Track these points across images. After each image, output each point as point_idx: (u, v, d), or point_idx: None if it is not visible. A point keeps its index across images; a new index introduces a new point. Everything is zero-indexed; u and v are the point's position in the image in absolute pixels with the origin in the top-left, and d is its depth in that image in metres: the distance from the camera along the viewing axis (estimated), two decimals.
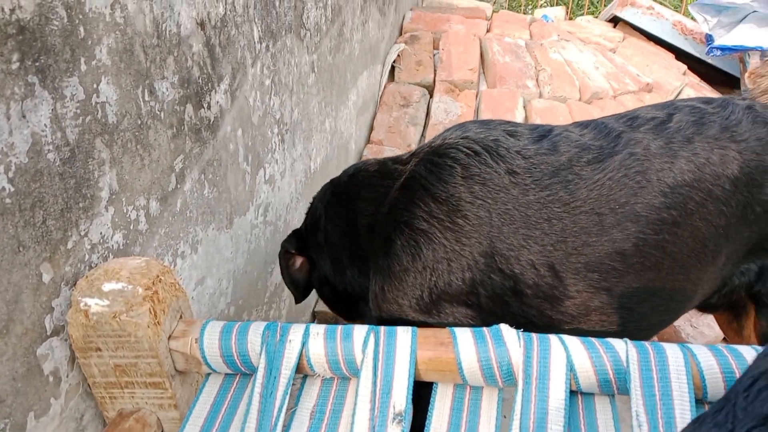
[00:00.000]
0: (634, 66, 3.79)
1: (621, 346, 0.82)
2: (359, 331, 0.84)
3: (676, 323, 2.09)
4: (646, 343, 0.83)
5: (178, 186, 1.11)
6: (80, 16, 0.81)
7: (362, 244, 1.33)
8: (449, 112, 2.84)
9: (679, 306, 1.28)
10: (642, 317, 1.23)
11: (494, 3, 5.62)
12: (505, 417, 1.00)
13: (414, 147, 2.68)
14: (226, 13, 1.25)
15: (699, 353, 0.82)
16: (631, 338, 1.25)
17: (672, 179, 1.18)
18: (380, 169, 1.37)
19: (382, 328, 0.85)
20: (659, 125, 1.25)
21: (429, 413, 0.82)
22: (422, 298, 1.20)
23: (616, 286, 1.18)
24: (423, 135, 2.79)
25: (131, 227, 0.97)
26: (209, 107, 1.20)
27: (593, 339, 0.84)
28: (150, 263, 0.86)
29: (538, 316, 1.20)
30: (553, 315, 1.20)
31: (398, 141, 2.69)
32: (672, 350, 0.81)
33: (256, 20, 1.39)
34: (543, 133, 1.29)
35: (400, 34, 3.40)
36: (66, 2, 0.78)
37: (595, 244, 1.16)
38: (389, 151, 2.61)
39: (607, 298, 1.19)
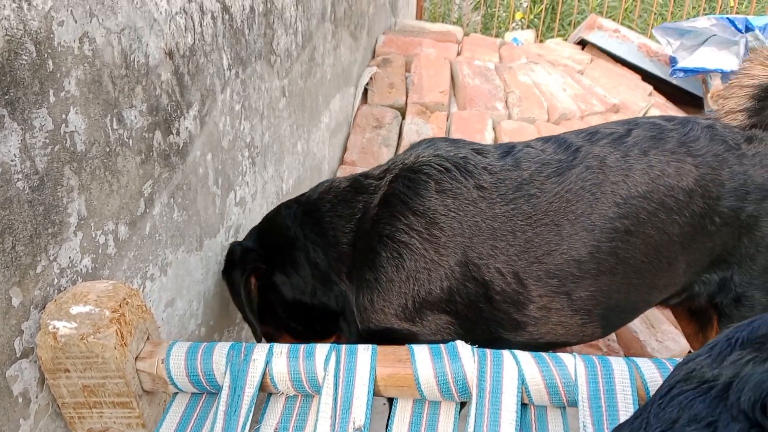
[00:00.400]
0: (601, 87, 3.90)
1: (570, 360, 0.86)
2: (321, 349, 0.88)
3: (642, 338, 2.15)
4: (594, 357, 0.87)
5: (147, 210, 1.13)
6: (49, 51, 0.84)
7: (345, 261, 1.37)
8: (421, 134, 2.90)
9: (635, 306, 1.38)
10: (600, 317, 1.33)
11: (466, 26, 5.75)
12: None
13: None
14: (194, 42, 1.29)
15: (643, 366, 0.86)
16: (591, 337, 1.38)
17: (625, 191, 1.27)
18: (353, 185, 1.42)
19: (344, 346, 0.89)
20: (617, 139, 1.33)
21: (389, 428, 0.85)
22: (407, 307, 1.28)
23: (574, 290, 1.27)
24: (395, 156, 2.84)
25: (100, 251, 1.00)
26: (178, 133, 1.23)
27: (544, 354, 0.88)
28: (117, 286, 0.88)
29: (506, 319, 1.29)
30: (519, 318, 1.29)
31: (371, 162, 2.74)
32: (618, 364, 0.86)
33: (225, 48, 1.43)
34: (507, 149, 1.38)
35: (373, 57, 3.47)
36: (35, 38, 0.81)
37: (554, 253, 1.26)
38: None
39: (567, 302, 1.28)
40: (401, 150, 2.83)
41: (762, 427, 0.49)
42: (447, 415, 0.87)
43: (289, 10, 1.93)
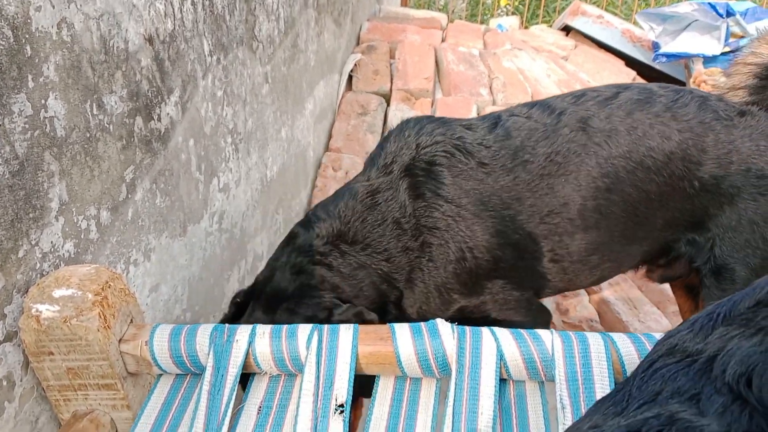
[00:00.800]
0: (585, 73, 3.92)
1: (547, 336, 0.88)
2: (303, 329, 0.89)
3: (625, 319, 2.18)
4: (571, 333, 0.89)
5: (129, 196, 1.14)
6: (26, 36, 0.84)
7: (403, 265, 1.40)
8: None
9: (619, 257, 1.49)
10: (594, 266, 1.46)
11: (452, 13, 5.74)
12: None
13: None
14: (174, 28, 1.28)
15: (618, 341, 0.88)
16: (587, 283, 1.54)
17: (607, 151, 1.33)
18: (367, 191, 1.39)
19: (326, 326, 0.90)
20: (604, 101, 1.38)
21: (371, 404, 0.86)
22: (467, 284, 1.39)
23: (571, 244, 1.40)
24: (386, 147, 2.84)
25: (82, 236, 1.00)
26: (159, 119, 1.23)
27: (522, 330, 0.90)
28: (99, 270, 0.89)
29: (533, 272, 1.44)
30: (540, 270, 1.44)
31: (356, 148, 2.75)
32: (594, 339, 0.88)
33: (206, 34, 1.43)
34: (494, 120, 1.42)
35: (358, 44, 3.47)
36: (12, 23, 0.81)
37: (553, 213, 1.37)
38: (347, 158, 2.66)
39: (567, 254, 1.41)
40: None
41: (745, 400, 0.51)
42: (428, 391, 0.88)
43: None
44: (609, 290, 2.29)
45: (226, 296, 1.65)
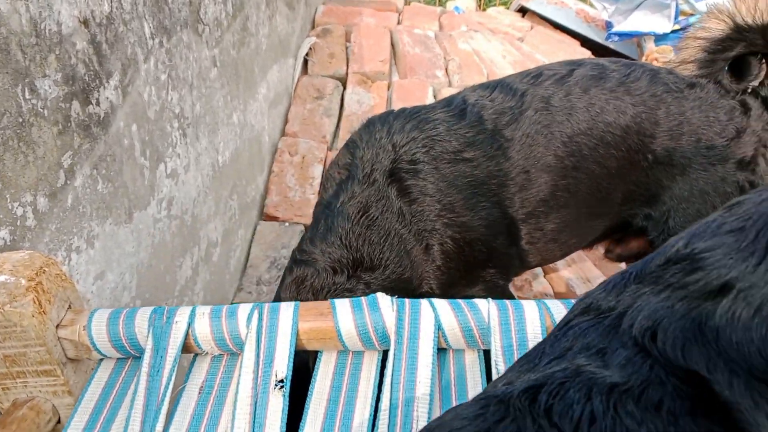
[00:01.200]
0: (541, 54, 3.96)
1: (484, 305, 0.90)
2: (244, 308, 0.89)
3: (578, 292, 2.23)
4: (507, 302, 0.91)
5: (68, 182, 1.12)
6: None
7: (417, 270, 1.42)
8: (362, 103, 2.91)
9: (583, 233, 1.55)
10: (564, 243, 1.52)
11: None
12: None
13: (329, 138, 2.74)
14: (112, 10, 1.26)
15: (552, 306, 0.91)
16: (553, 260, 1.62)
17: (570, 129, 1.36)
18: (356, 205, 1.36)
19: (266, 304, 0.90)
20: (560, 79, 1.40)
21: (313, 378, 0.88)
22: (465, 276, 1.43)
23: (545, 225, 1.44)
24: (338, 126, 2.84)
25: (18, 223, 0.98)
26: (98, 103, 1.21)
27: (459, 301, 0.91)
28: (34, 256, 0.88)
29: (514, 259, 1.49)
30: (519, 253, 1.49)
31: (313, 132, 2.74)
32: (529, 305, 0.90)
33: (147, 17, 1.41)
34: (460, 106, 1.41)
35: (313, 27, 3.44)
36: None
37: (529, 197, 1.41)
38: (304, 143, 2.65)
39: (542, 235, 1.46)
40: (343, 120, 2.84)
41: (648, 352, 0.53)
42: (370, 363, 0.90)
43: None
44: (567, 270, 2.34)
45: (179, 283, 1.64)
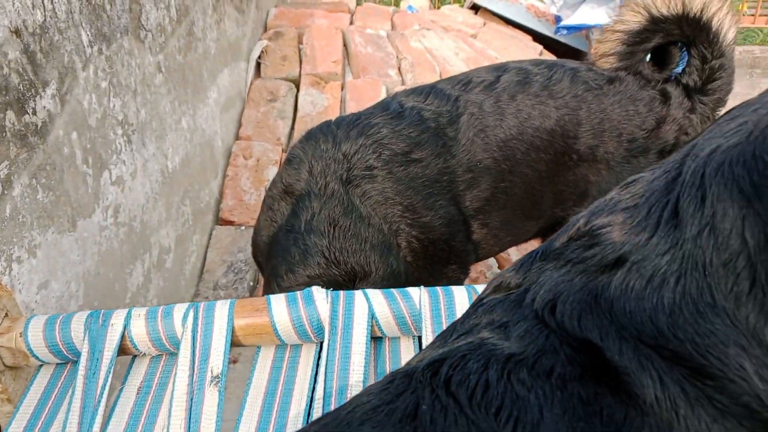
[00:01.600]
0: (493, 50, 4.02)
1: (416, 293, 0.93)
2: (179, 308, 0.91)
3: None
4: (438, 288, 0.94)
5: (6, 192, 1.12)
6: None
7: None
8: (316, 104, 2.92)
9: (519, 233, 1.61)
10: (504, 241, 1.58)
11: None
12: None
13: (284, 140, 2.75)
14: (45, 20, 1.26)
15: (481, 290, 0.94)
16: (489, 256, 1.67)
17: (503, 134, 1.39)
18: (329, 222, 1.36)
19: (202, 303, 0.92)
20: (488, 86, 1.43)
21: (250, 373, 0.89)
22: (434, 275, 1.47)
23: (490, 222, 1.49)
24: (292, 128, 2.85)
25: None
26: (35, 112, 1.21)
27: (393, 290, 0.94)
28: None
29: (467, 254, 1.53)
30: (469, 249, 1.52)
31: (267, 135, 2.75)
32: (459, 291, 0.93)
33: (84, 25, 1.41)
34: (397, 109, 1.44)
35: (265, 30, 3.44)
36: None
37: (475, 197, 1.45)
38: (258, 146, 2.66)
39: (487, 231, 1.51)
40: (297, 122, 2.85)
41: (546, 324, 0.56)
42: (307, 356, 0.92)
43: None
44: (517, 255, 2.39)
45: (129, 291, 1.64)
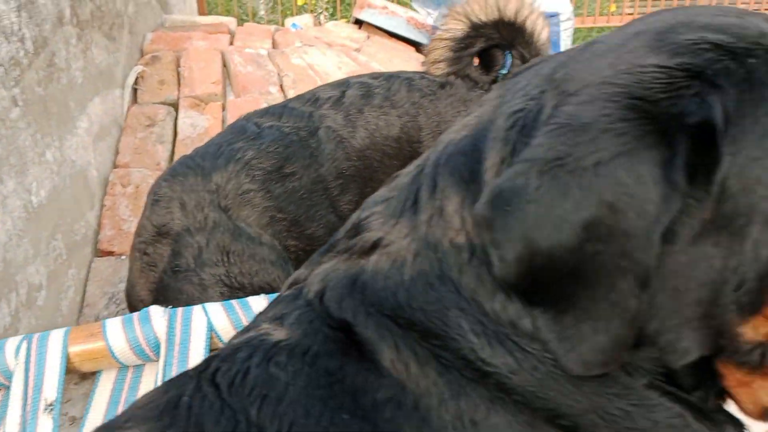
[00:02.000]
0: (377, 62, 4.13)
1: (256, 301, 0.97)
2: (12, 341, 0.91)
3: None
4: (277, 294, 0.98)
5: None
6: None
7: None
8: (197, 126, 2.92)
9: None
10: None
11: (253, 17, 5.75)
12: None
13: (164, 165, 2.72)
14: None
15: None
16: None
17: (358, 144, 1.46)
18: (216, 244, 1.36)
19: (36, 334, 0.92)
20: (336, 102, 1.50)
21: (88, 402, 0.90)
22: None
23: None
24: (173, 152, 2.83)
25: None
26: None
27: (233, 301, 0.98)
28: None
29: None
30: None
31: (147, 161, 2.71)
32: None
33: None
34: (255, 130, 1.49)
35: (142, 56, 3.39)
36: None
37: (349, 201, 1.49)
38: (137, 173, 2.62)
39: None
40: (177, 145, 2.83)
41: (314, 310, 0.61)
42: (149, 375, 0.94)
43: (8, 17, 1.85)
44: None
45: None
